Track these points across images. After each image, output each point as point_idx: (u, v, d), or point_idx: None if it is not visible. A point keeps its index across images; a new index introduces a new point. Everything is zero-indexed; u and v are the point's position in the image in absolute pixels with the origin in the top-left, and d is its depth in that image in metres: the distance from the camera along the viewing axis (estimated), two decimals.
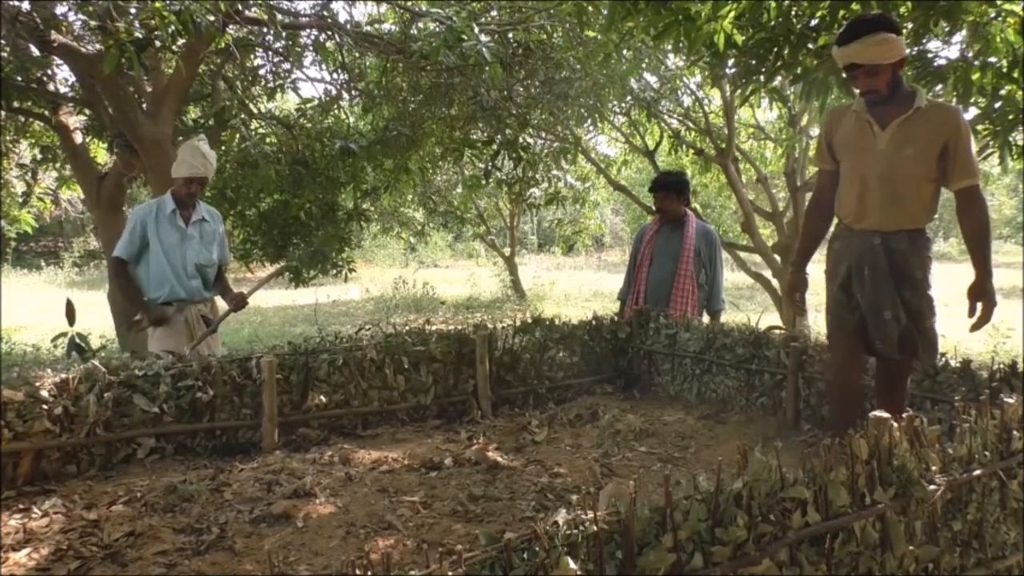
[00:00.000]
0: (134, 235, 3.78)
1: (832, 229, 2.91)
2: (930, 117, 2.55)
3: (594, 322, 4.10)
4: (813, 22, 3.72)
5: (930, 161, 2.57)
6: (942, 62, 3.73)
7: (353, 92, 6.80)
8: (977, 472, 1.77)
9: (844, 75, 2.66)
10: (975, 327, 2.61)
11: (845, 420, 2.71)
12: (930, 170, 2.59)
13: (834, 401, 2.90)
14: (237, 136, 6.96)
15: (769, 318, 7.26)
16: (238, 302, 3.87)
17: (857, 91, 2.66)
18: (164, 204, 3.81)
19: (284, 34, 5.86)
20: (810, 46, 3.70)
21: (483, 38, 4.92)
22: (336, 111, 7.18)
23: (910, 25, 3.58)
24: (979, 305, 2.59)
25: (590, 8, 5.23)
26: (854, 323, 2.71)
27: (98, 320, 10.09)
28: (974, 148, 2.65)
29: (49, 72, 6.07)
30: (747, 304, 12.91)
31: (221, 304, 4.11)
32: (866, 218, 2.68)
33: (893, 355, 2.67)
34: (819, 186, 2.95)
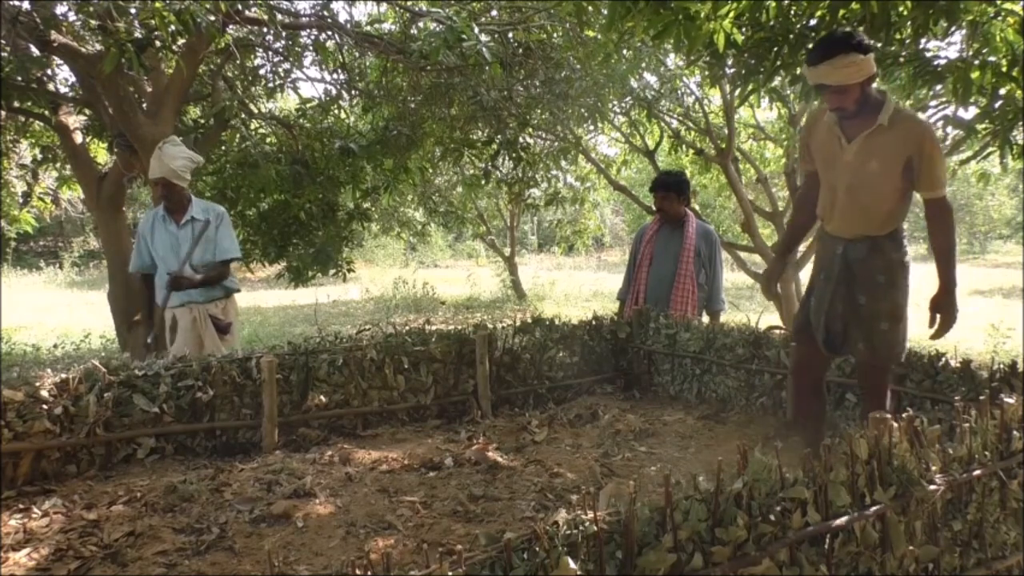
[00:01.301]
0: (139, 246, 3.85)
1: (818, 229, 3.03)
2: (894, 132, 2.61)
3: (594, 322, 4.10)
4: (812, 22, 3.72)
5: (894, 174, 2.63)
6: (941, 62, 3.72)
7: (353, 92, 6.79)
8: (977, 472, 1.77)
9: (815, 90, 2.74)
10: (934, 337, 2.67)
11: (800, 415, 2.93)
12: (895, 182, 2.65)
13: (792, 397, 3.05)
14: (237, 136, 6.96)
15: (769, 318, 7.27)
16: (177, 281, 3.71)
17: (828, 106, 2.72)
18: (158, 211, 3.83)
19: (284, 34, 5.86)
20: (809, 46, 3.69)
21: (483, 38, 4.92)
22: (336, 111, 7.18)
23: (909, 25, 3.58)
24: (939, 316, 2.65)
25: (590, 8, 5.22)
26: (808, 322, 2.84)
27: (98, 320, 10.10)
28: (942, 158, 2.71)
29: (49, 72, 6.06)
30: (747, 304, 12.91)
31: (233, 304, 4.05)
32: (833, 224, 2.79)
33: (823, 353, 2.83)
34: (803, 184, 3.08)
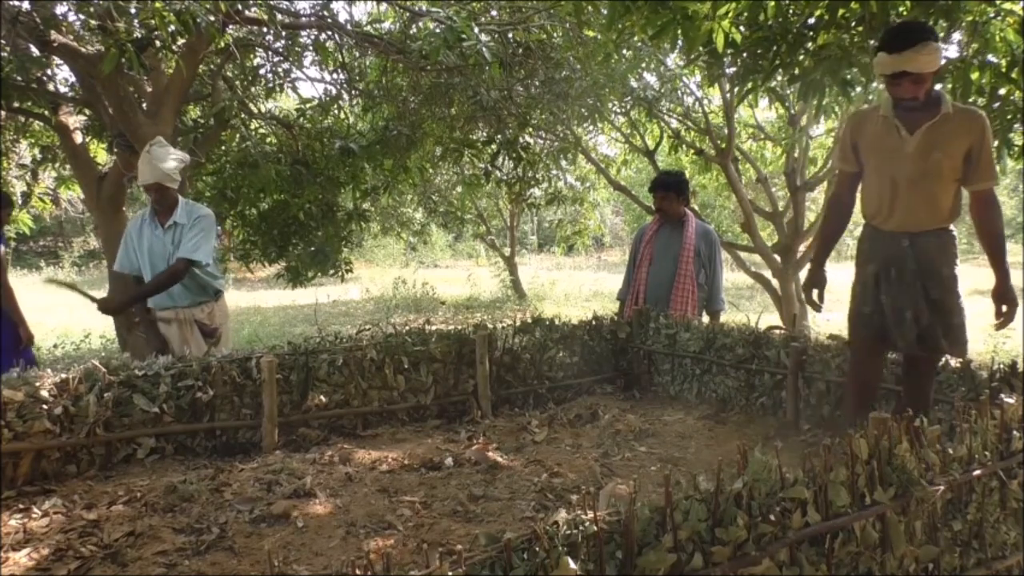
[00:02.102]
0: (127, 248, 3.75)
1: (862, 230, 2.94)
2: (957, 122, 2.63)
3: (594, 322, 4.10)
4: (810, 21, 3.72)
5: (956, 164, 2.66)
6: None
7: (353, 92, 6.79)
8: (977, 472, 1.77)
9: (886, 81, 2.67)
10: (1000, 326, 2.72)
11: (859, 417, 2.82)
12: (956, 172, 2.67)
13: (850, 397, 2.96)
14: (237, 136, 6.96)
15: (769, 318, 7.27)
16: (105, 305, 3.77)
17: (895, 96, 2.68)
18: (146, 213, 3.74)
19: (284, 34, 5.86)
20: (808, 46, 3.69)
21: (483, 38, 4.92)
22: (336, 111, 7.18)
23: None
24: (1004, 307, 2.70)
25: (589, 8, 5.22)
26: (878, 323, 2.77)
27: (98, 320, 10.09)
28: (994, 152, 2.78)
29: (49, 72, 6.06)
30: (747, 304, 12.91)
31: (221, 307, 3.97)
32: (895, 219, 2.75)
33: (912, 352, 2.75)
34: (839, 187, 3.01)
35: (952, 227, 2.76)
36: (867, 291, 2.81)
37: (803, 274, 9.08)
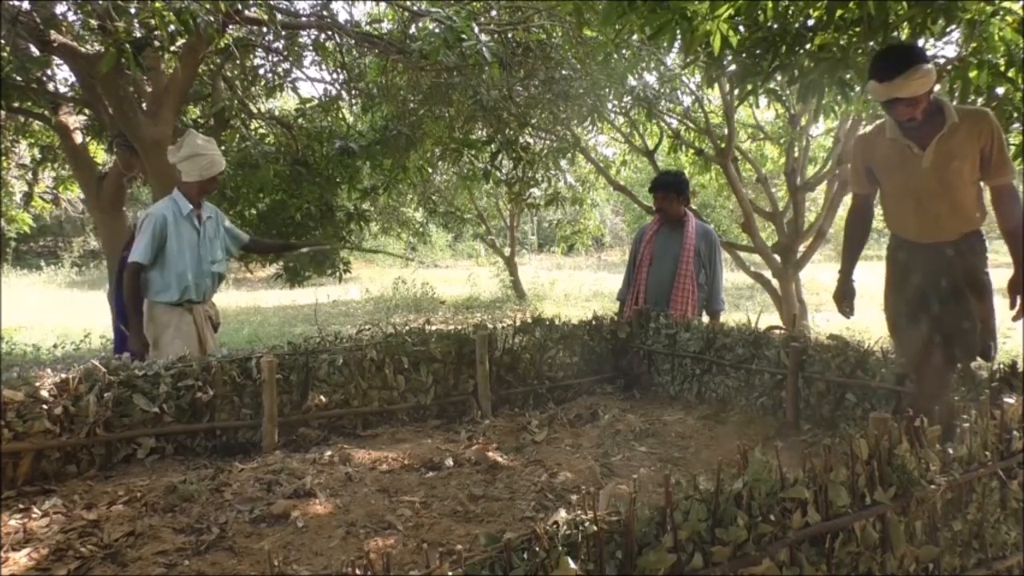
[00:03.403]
0: (155, 239, 3.61)
1: (892, 239, 2.98)
2: (965, 128, 2.67)
3: (594, 322, 4.10)
4: (810, 22, 3.72)
5: (973, 167, 2.70)
6: (939, 61, 3.72)
7: (353, 92, 6.80)
8: (977, 472, 1.77)
9: (881, 105, 2.72)
10: (1017, 317, 2.76)
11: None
12: (975, 174, 2.72)
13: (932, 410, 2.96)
14: (237, 136, 6.96)
15: (769, 318, 7.27)
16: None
17: (894, 119, 2.72)
18: (181, 205, 3.71)
19: (284, 34, 5.86)
20: (807, 46, 3.69)
21: (483, 38, 4.92)
22: (336, 111, 7.18)
23: (907, 24, 3.58)
24: (1019, 298, 2.73)
25: (588, 13, 5.22)
26: (929, 332, 2.77)
27: (99, 320, 10.10)
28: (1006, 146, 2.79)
29: (49, 72, 6.07)
30: (747, 304, 12.92)
31: (219, 304, 4.06)
32: (930, 232, 2.78)
33: (971, 360, 2.77)
34: (857, 207, 3.09)
35: (983, 230, 2.79)
36: (915, 302, 2.80)
37: (803, 274, 9.12)
